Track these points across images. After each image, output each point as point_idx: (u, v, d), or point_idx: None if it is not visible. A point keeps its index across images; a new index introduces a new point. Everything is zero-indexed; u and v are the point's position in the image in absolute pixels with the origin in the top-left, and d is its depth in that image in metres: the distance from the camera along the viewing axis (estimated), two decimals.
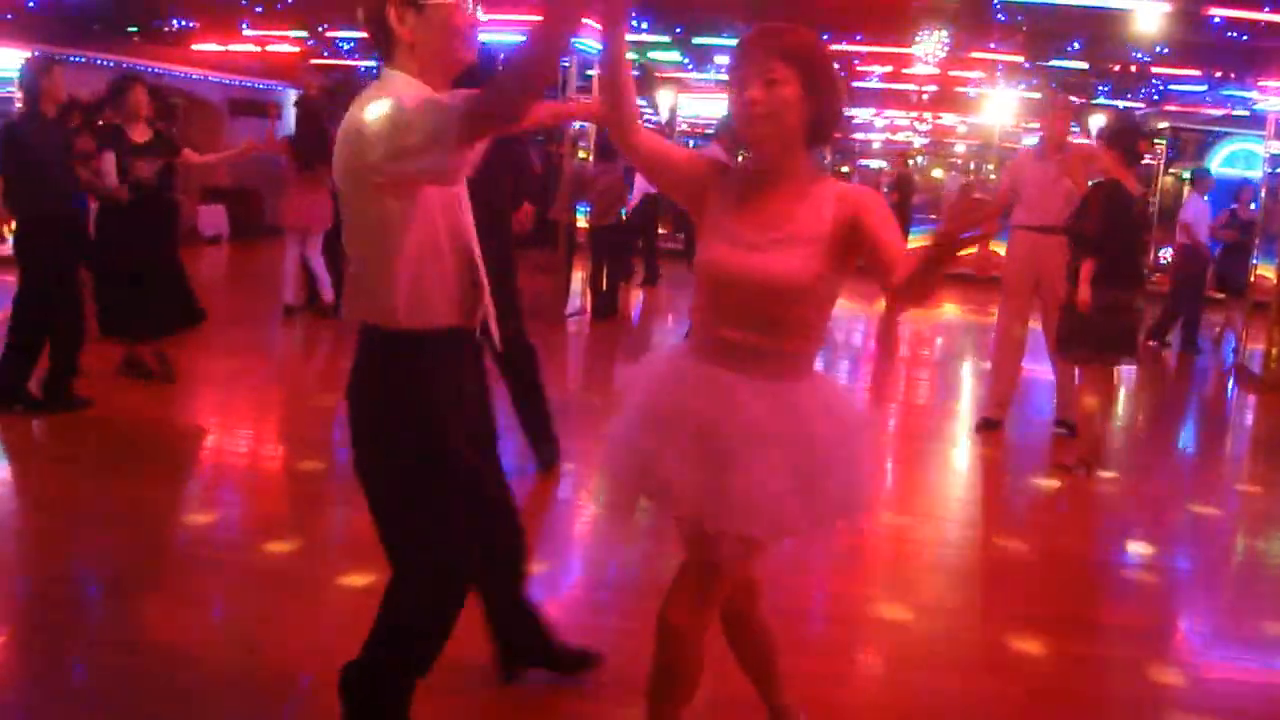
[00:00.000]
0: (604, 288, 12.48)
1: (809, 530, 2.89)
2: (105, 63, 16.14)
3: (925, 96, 21.34)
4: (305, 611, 4.41)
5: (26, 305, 7.02)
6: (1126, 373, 9.75)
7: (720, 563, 2.79)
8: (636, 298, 15.14)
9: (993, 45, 16.78)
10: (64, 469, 6.28)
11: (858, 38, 16.67)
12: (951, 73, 17.87)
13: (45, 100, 6.99)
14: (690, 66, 20.08)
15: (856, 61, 18.21)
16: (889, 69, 18.25)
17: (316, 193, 10.67)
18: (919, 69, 16.78)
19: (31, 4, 15.39)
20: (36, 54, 7.58)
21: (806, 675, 3.88)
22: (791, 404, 2.77)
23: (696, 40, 17.06)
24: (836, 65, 2.84)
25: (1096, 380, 6.99)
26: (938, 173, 29.94)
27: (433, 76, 2.90)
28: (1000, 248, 8.61)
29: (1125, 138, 7.01)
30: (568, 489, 6.32)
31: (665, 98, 22.14)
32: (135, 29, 18.39)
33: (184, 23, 18.27)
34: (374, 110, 2.72)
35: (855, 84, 19.00)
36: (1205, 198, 13.56)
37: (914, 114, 24.79)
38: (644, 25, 16.09)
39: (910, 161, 25.20)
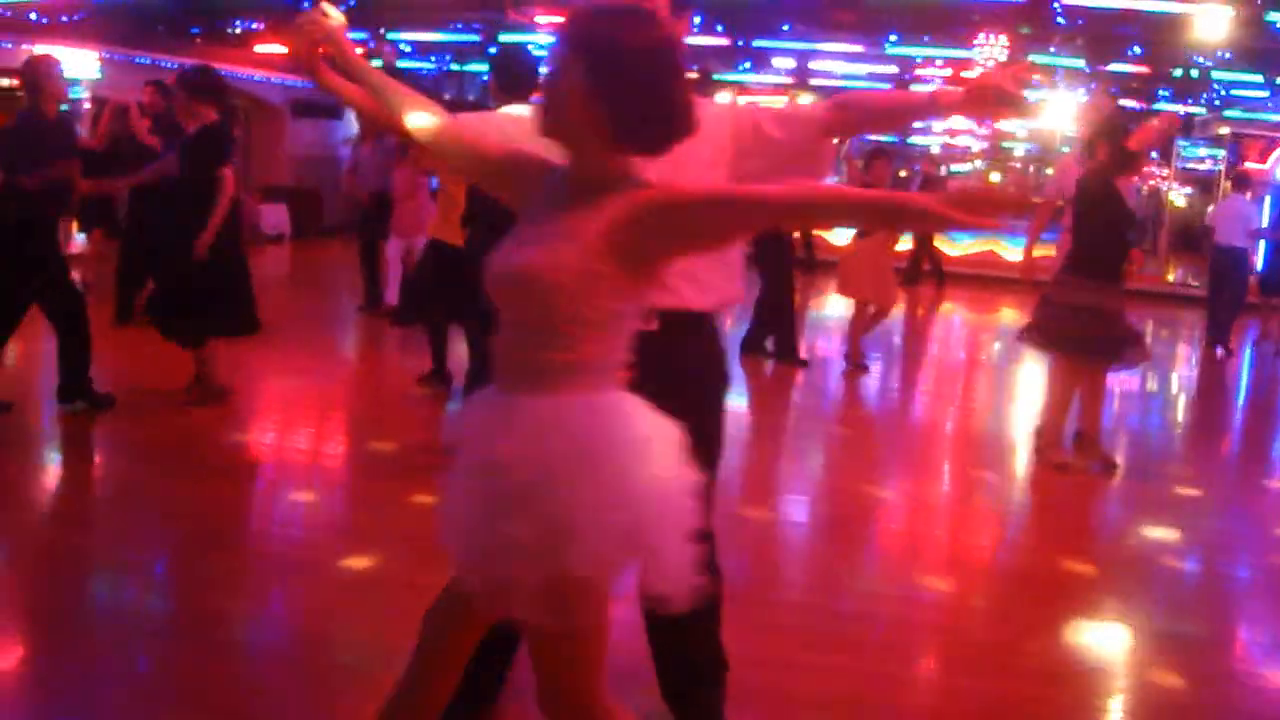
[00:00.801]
0: None
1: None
2: (169, 64, 16.44)
3: None
4: (374, 609, 4.42)
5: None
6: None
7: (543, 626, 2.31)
8: None
9: (1053, 49, 16.72)
10: (135, 465, 6.39)
11: (925, 39, 16.68)
12: None
13: (47, 99, 6.96)
14: (749, 69, 20.10)
15: (917, 63, 18.20)
16: (949, 72, 18.19)
17: (425, 200, 10.67)
18: (978, 72, 16.71)
19: (99, 4, 15.65)
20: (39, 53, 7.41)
21: (869, 675, 4.00)
22: (548, 421, 2.27)
23: (756, 43, 17.08)
24: (656, 52, 2.28)
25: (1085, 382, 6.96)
26: (995, 176, 29.77)
27: None
28: (1049, 250, 8.64)
29: (1114, 135, 6.98)
30: None
31: (722, 100, 22.16)
32: (198, 31, 18.69)
33: (247, 24, 18.54)
34: None
35: (915, 87, 18.94)
36: (1248, 197, 13.46)
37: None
38: (697, 23, 16.13)
39: (971, 165, 25.05)
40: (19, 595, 4.52)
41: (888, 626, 4.56)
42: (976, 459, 7.66)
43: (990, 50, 15.24)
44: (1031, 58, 16.72)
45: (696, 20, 15.48)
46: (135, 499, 5.72)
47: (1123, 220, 6.96)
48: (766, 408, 8.94)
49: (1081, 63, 17.17)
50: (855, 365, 9.95)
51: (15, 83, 14.58)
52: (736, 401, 8.85)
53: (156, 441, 6.70)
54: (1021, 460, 7.63)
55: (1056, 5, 14.39)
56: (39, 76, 6.90)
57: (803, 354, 10.11)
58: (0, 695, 3.69)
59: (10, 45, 14.16)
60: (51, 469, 6.40)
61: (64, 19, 15.51)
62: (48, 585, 4.58)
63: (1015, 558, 5.74)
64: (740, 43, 16.93)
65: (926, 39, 16.87)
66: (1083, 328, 6.70)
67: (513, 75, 5.48)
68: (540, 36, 13.95)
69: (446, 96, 5.58)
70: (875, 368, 10.34)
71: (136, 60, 15.74)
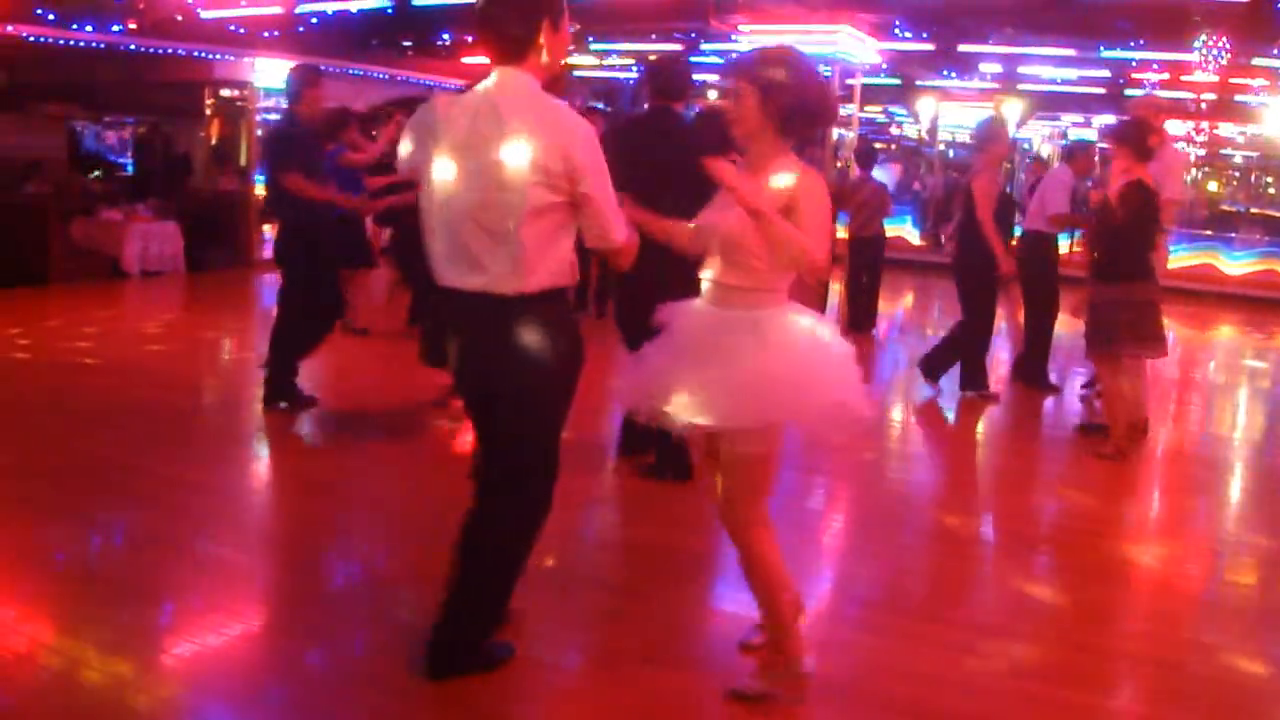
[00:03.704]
0: (862, 299, 12.33)
1: None
2: (380, 75, 17.08)
3: (1203, 105, 20.44)
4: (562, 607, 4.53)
5: (282, 307, 7.41)
6: None
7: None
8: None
9: (1277, 52, 16.02)
10: (336, 458, 6.72)
11: (1136, 44, 16.18)
12: (1232, 80, 17.13)
13: (304, 108, 7.29)
14: (952, 75, 19.81)
15: (1132, 66, 17.66)
16: (1165, 76, 17.61)
17: None
18: (1198, 76, 16.12)
19: (315, 20, 16.31)
20: (301, 64, 7.81)
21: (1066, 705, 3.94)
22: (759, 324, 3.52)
23: (961, 48, 16.82)
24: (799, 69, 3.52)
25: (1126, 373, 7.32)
26: (1213, 185, 28.64)
27: (542, 77, 3.58)
28: None
29: (1133, 134, 7.07)
30: (819, 500, 6.43)
31: (926, 107, 21.91)
32: (409, 44, 19.34)
33: (455, 36, 19.10)
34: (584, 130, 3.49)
35: (1128, 91, 18.41)
36: None
37: (1190, 124, 23.76)
38: (906, 35, 15.97)
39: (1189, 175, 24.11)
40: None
41: (1090, 656, 4.43)
42: (1191, 482, 7.38)
43: (1210, 52, 14.71)
44: (1255, 60, 16.10)
45: (897, 28, 15.39)
46: (339, 491, 6.02)
47: (1154, 221, 7.21)
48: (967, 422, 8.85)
49: None
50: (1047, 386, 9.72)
51: (236, 93, 15.52)
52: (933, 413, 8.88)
53: (360, 436, 7.05)
54: (1239, 481, 7.39)
55: None
56: (302, 86, 7.28)
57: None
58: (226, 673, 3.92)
59: (233, 58, 14.93)
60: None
61: (274, 33, 16.21)
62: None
63: (1228, 587, 5.51)
64: (945, 48, 16.68)
65: (1141, 42, 16.32)
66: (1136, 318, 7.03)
67: (668, 80, 6.17)
68: (742, 45, 14.02)
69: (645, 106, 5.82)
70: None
71: (350, 72, 16.37)
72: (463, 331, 3.64)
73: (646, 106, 6.47)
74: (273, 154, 7.30)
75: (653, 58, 9.21)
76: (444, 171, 3.52)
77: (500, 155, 3.41)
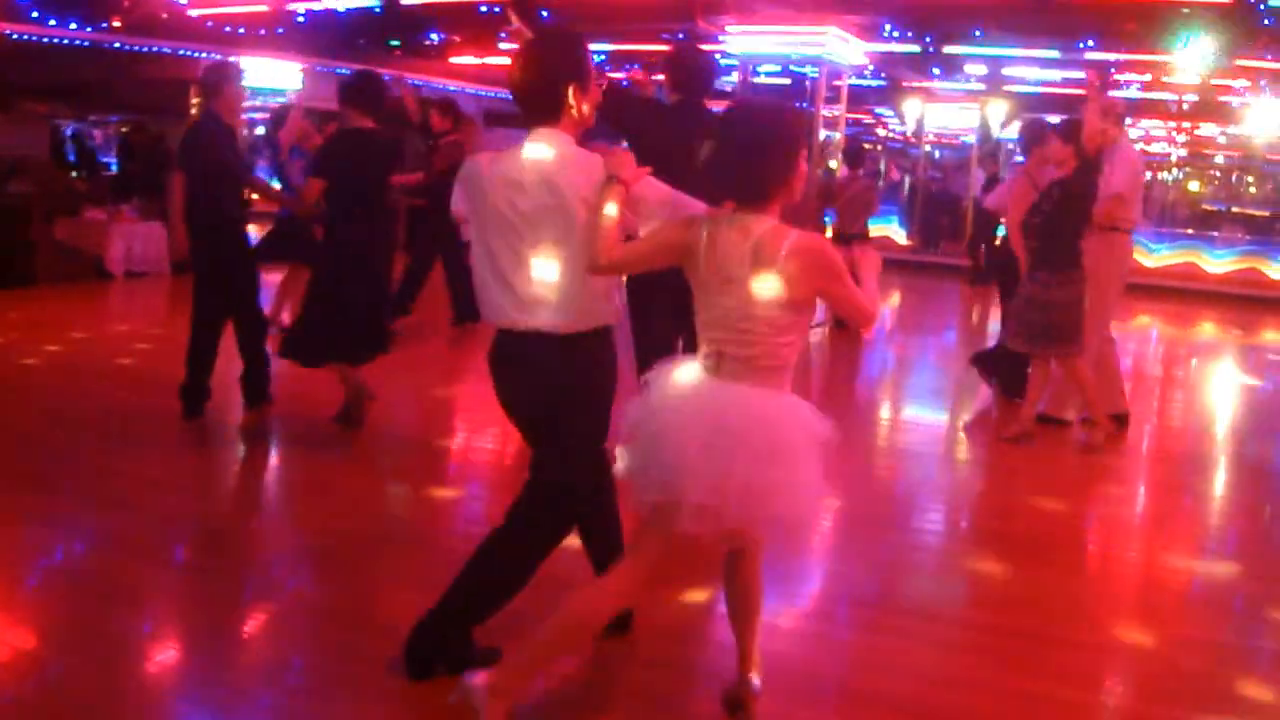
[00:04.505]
0: None
1: None
2: None
3: (1185, 106, 20.56)
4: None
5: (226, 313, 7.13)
6: None
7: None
8: None
9: (1258, 52, 16.11)
10: (318, 461, 6.67)
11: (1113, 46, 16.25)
12: (1214, 81, 17.22)
13: (223, 104, 6.97)
14: (938, 75, 19.87)
15: (1113, 69, 17.72)
16: (1148, 77, 17.70)
17: None
18: (1179, 77, 16.22)
19: (301, 19, 16.28)
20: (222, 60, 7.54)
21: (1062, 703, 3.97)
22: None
23: (947, 50, 16.86)
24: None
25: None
26: (1195, 185, 28.81)
27: (576, 133, 3.78)
28: None
29: (1076, 132, 7.28)
30: None
31: (912, 108, 21.97)
32: (398, 43, 19.32)
33: (443, 36, 19.08)
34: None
35: (1111, 93, 18.49)
36: None
37: (1172, 124, 23.91)
38: (895, 34, 16.00)
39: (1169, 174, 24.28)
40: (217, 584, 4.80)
41: (1082, 652, 4.47)
42: (1177, 478, 7.44)
43: (1192, 54, 14.78)
44: (1236, 61, 16.18)
45: (887, 28, 15.41)
46: (314, 489, 6.02)
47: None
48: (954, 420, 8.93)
49: None
50: None
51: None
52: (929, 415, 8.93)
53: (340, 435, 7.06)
54: (1222, 479, 7.45)
55: (1262, 10, 13.84)
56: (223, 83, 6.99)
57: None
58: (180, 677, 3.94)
59: (219, 57, 14.88)
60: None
61: (262, 32, 16.18)
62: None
63: (1214, 584, 5.53)
64: (931, 49, 16.72)
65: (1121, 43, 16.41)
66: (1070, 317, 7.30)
67: (690, 73, 5.84)
68: (729, 46, 14.03)
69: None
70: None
71: (338, 71, 16.33)
72: (517, 366, 3.83)
73: (669, 99, 6.12)
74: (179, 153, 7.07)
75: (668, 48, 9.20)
76: (491, 228, 3.76)
77: (550, 205, 3.64)
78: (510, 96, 3.79)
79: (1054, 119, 8.27)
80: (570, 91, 3.70)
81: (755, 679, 3.68)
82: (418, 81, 17.67)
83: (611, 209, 3.43)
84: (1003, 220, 9.64)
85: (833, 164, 15.28)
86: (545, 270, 3.68)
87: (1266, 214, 23.46)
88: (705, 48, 14.24)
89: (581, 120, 3.79)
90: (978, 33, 15.96)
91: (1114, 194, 7.66)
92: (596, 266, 3.50)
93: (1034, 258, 7.46)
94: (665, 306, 4.96)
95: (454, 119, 10.63)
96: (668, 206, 3.69)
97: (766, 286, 3.26)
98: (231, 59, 7.99)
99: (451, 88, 19.66)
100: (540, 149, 3.71)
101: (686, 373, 3.47)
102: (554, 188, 3.63)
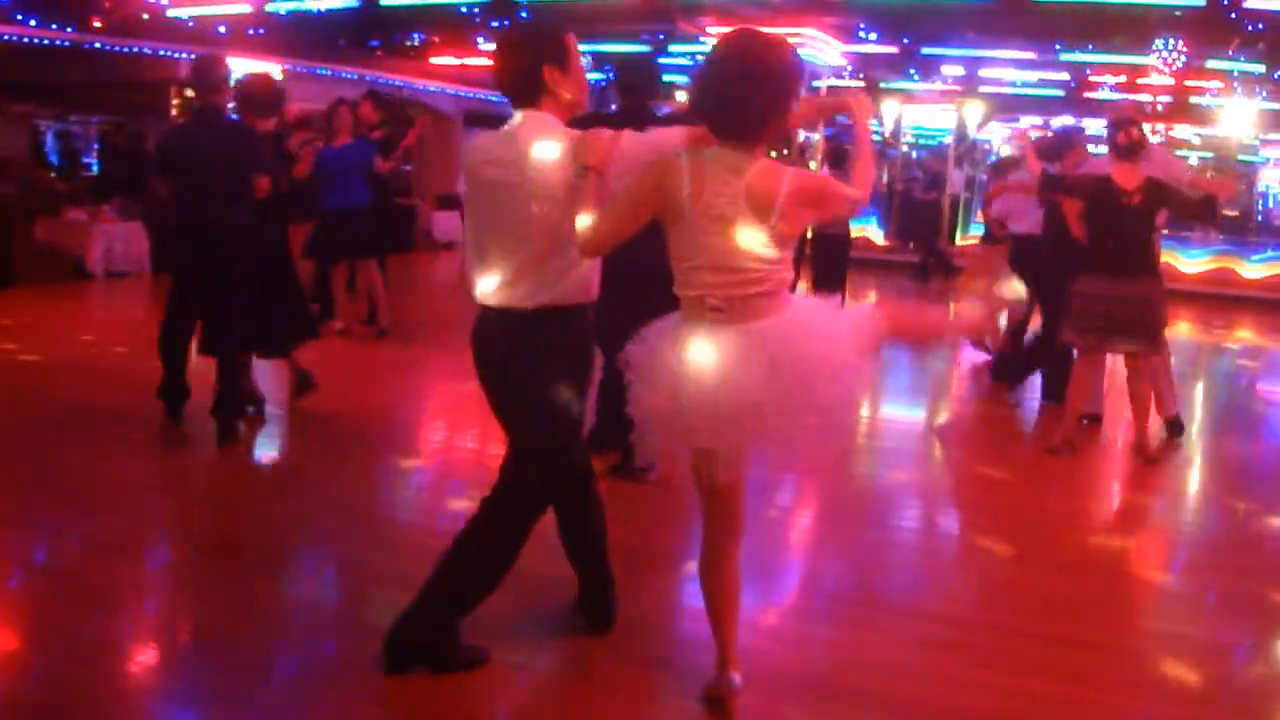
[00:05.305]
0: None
1: None
2: (349, 75, 17.08)
3: (1159, 107, 20.73)
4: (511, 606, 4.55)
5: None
6: None
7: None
8: None
9: (1231, 54, 16.28)
10: (302, 461, 6.80)
11: (1088, 48, 16.41)
12: (1187, 82, 17.39)
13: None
14: (916, 77, 19.99)
15: (1088, 71, 17.88)
16: (1122, 79, 17.86)
17: None
18: (1154, 79, 16.38)
19: (284, 13, 16.26)
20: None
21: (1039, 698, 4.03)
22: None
23: (925, 51, 16.99)
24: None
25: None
26: None
27: (564, 115, 3.78)
28: None
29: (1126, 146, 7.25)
30: (786, 496, 6.46)
31: (890, 109, 22.08)
32: (377, 44, 19.33)
33: (423, 37, 19.11)
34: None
35: (1087, 94, 18.68)
36: None
37: (1147, 125, 24.04)
38: (872, 36, 16.11)
39: None
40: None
41: (1061, 647, 4.51)
42: (1151, 474, 7.42)
43: (1166, 55, 14.93)
44: (1210, 63, 16.35)
45: (863, 30, 15.52)
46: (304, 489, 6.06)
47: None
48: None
49: (1261, 68, 16.70)
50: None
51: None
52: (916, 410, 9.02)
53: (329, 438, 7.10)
54: (1196, 473, 7.57)
55: (1234, 14, 14.01)
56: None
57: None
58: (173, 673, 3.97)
59: (197, 58, 14.86)
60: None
61: (249, 32, 16.18)
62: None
63: (1200, 582, 5.59)
64: (909, 50, 16.84)
65: (1098, 45, 16.57)
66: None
67: (638, 76, 6.32)
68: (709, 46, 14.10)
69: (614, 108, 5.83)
70: None
71: (318, 72, 16.37)
72: (483, 343, 3.87)
73: (615, 106, 6.45)
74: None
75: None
76: (470, 205, 3.87)
77: (510, 180, 3.66)
78: (490, 97, 3.85)
79: (1052, 120, 8.38)
80: (547, 73, 3.70)
81: (735, 676, 3.68)
82: (397, 82, 17.72)
83: (584, 216, 3.43)
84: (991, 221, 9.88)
85: (813, 165, 15.37)
86: (505, 246, 3.71)
87: (1237, 214, 23.62)
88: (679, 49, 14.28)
89: (568, 104, 3.79)
90: (954, 36, 16.10)
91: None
92: (587, 250, 3.52)
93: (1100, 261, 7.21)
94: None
95: (388, 112, 10.59)
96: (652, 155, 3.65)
97: (766, 227, 3.29)
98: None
99: (431, 88, 19.68)
100: (515, 126, 3.73)
101: (690, 330, 3.46)
102: (515, 164, 3.64)
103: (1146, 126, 7.59)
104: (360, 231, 10.12)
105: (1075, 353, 7.53)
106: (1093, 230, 7.24)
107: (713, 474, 3.49)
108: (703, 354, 3.38)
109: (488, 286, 3.77)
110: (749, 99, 3.31)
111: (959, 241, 20.82)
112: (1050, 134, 9.01)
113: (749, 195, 3.28)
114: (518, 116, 3.76)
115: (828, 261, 12.56)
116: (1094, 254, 7.20)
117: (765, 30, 3.46)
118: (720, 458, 3.45)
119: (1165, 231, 8.01)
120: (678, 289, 3.49)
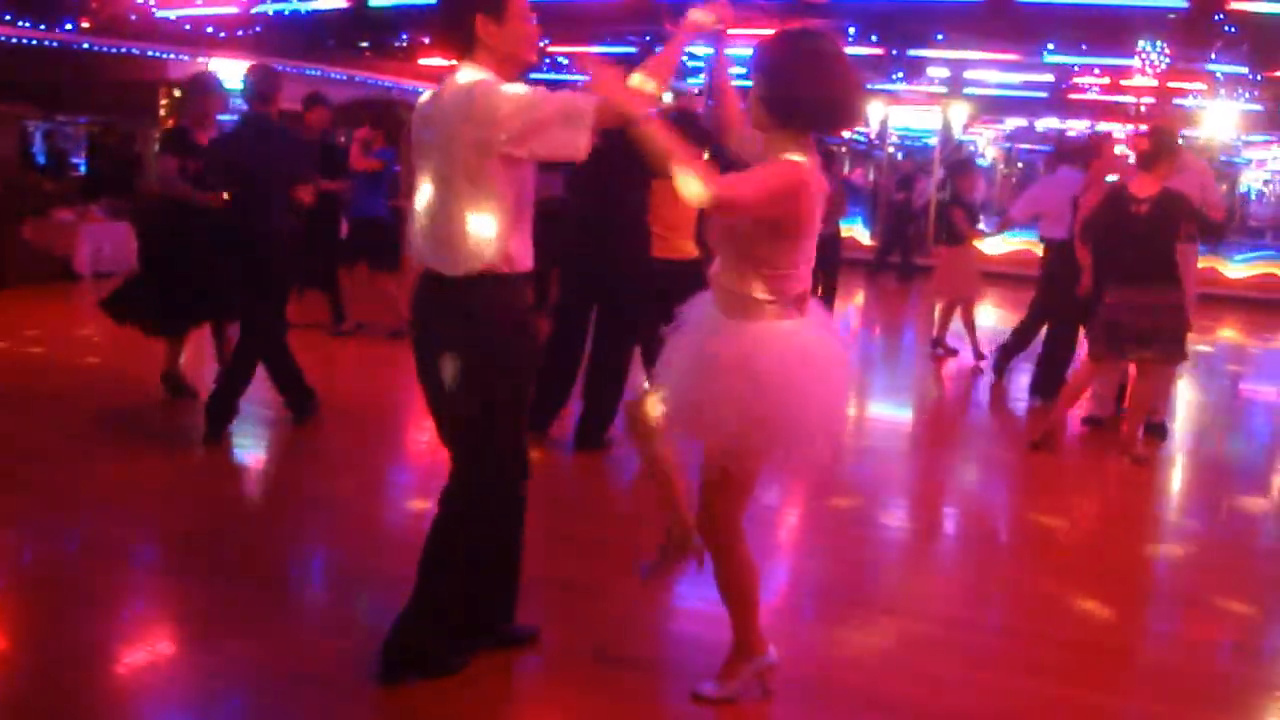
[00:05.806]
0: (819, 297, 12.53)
1: None
2: (338, 76, 17.07)
3: (1143, 109, 20.83)
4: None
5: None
6: None
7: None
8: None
9: (1214, 56, 16.37)
10: (294, 461, 6.84)
11: (1083, 47, 16.49)
12: (1171, 84, 17.48)
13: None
14: (901, 78, 20.04)
15: (1074, 71, 17.96)
16: (1106, 80, 17.94)
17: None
18: (1138, 80, 16.46)
19: (272, 12, 16.22)
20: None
21: (1018, 692, 4.07)
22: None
23: (911, 53, 17.04)
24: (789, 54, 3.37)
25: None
26: None
27: (507, 71, 3.56)
28: None
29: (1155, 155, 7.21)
30: (774, 495, 6.39)
31: (875, 111, 22.12)
32: (366, 44, 19.29)
33: (412, 37, 19.07)
34: (509, 91, 3.42)
35: (1071, 96, 18.76)
36: None
37: (1130, 126, 24.16)
38: (851, 32, 16.13)
39: None
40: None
41: (1049, 645, 4.53)
42: (1136, 475, 7.43)
43: (1150, 57, 15.02)
44: (1193, 65, 16.44)
45: (851, 31, 15.54)
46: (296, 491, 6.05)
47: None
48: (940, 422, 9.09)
49: (1245, 70, 16.79)
50: (947, 350, 10.94)
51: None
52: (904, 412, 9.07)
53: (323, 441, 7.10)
54: (1181, 473, 7.63)
55: (1219, 15, 14.08)
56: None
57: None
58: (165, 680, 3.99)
59: (187, 58, 14.89)
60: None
61: (239, 32, 16.15)
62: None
63: (1175, 579, 5.67)
64: (894, 52, 16.89)
65: (1084, 47, 16.65)
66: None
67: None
68: (696, 48, 14.11)
69: None
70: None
71: (306, 73, 16.33)
72: (418, 309, 3.77)
73: None
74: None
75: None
76: (417, 161, 3.68)
77: (434, 141, 3.57)
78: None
79: (1050, 121, 8.46)
80: (480, 24, 3.50)
81: (771, 652, 3.82)
82: (386, 82, 17.70)
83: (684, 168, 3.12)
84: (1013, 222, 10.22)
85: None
86: (431, 207, 3.60)
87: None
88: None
89: (506, 58, 3.56)
90: (939, 36, 16.16)
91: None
92: (708, 202, 3.16)
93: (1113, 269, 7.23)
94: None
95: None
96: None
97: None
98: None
99: (421, 89, 19.63)
100: (445, 83, 3.59)
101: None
102: (442, 120, 3.52)
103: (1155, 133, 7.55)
104: (380, 237, 10.52)
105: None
106: (1102, 236, 7.31)
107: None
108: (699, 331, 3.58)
109: (423, 247, 3.66)
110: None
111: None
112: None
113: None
114: (458, 74, 3.58)
115: (819, 262, 12.56)
116: (1109, 262, 7.23)
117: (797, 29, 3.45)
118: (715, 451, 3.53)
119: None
120: (767, 292, 3.49)
